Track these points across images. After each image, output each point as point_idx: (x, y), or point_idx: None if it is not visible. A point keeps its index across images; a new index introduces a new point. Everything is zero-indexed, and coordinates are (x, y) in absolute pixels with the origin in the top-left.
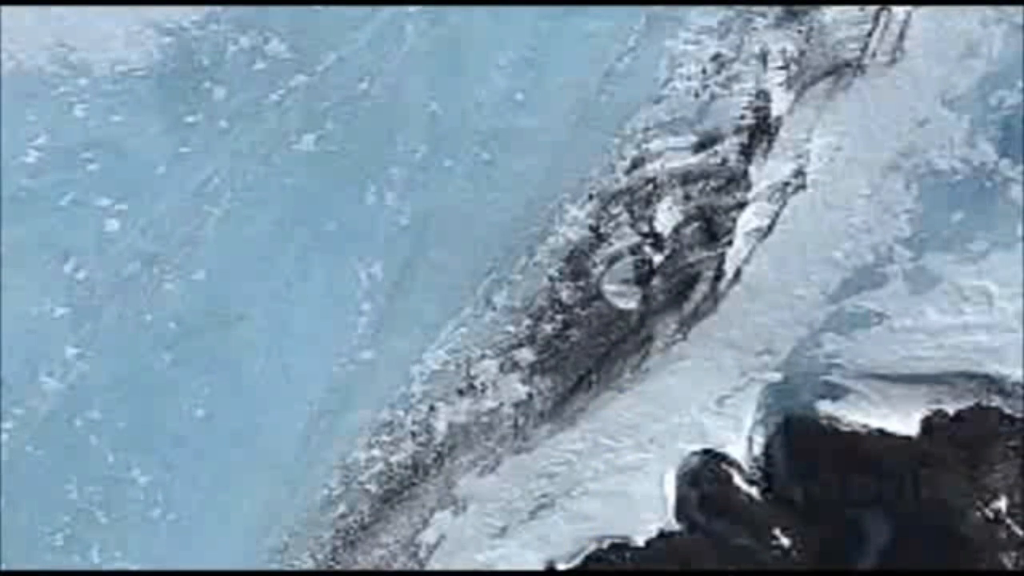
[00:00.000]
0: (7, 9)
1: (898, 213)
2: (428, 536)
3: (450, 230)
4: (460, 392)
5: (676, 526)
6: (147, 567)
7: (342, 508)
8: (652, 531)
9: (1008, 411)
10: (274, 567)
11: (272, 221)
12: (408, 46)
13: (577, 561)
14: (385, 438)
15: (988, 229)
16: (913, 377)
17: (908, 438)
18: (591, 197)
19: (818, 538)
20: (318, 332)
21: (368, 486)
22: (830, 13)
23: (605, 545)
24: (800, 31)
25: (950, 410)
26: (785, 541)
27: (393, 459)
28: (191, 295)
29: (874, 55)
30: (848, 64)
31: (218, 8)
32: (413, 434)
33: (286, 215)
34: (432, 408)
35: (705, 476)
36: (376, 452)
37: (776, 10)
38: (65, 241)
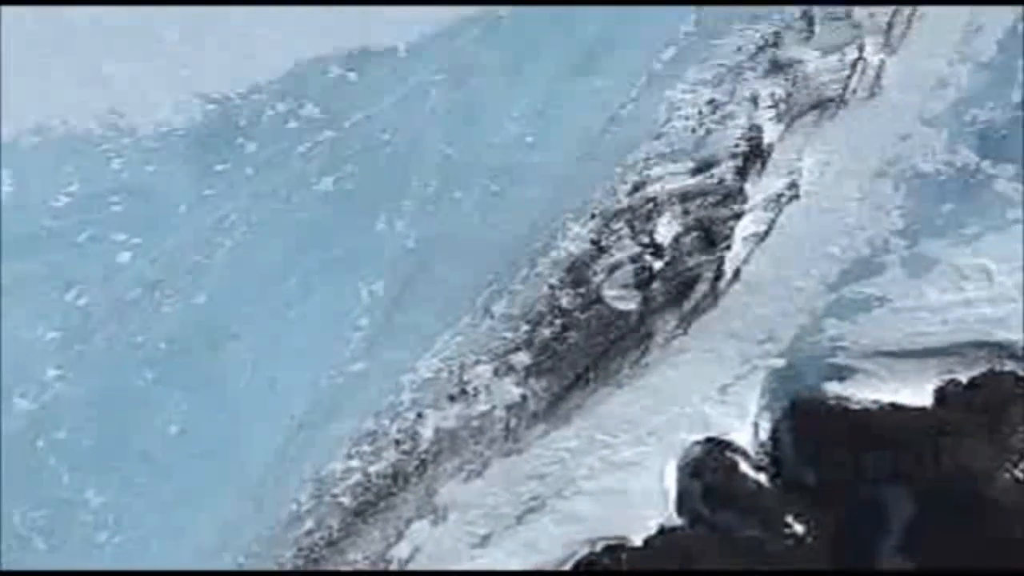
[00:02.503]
0: (58, 76)
1: (890, 210)
2: (400, 550)
3: (454, 250)
4: (451, 398)
5: (678, 521)
6: None
7: (309, 524)
8: (651, 528)
9: (1023, 374)
10: None
11: (281, 250)
12: (430, 106)
13: (568, 567)
14: (366, 448)
15: (979, 215)
16: (921, 351)
17: (922, 409)
18: (593, 216)
19: (834, 520)
20: (310, 347)
21: (341, 499)
22: (813, 63)
23: (598, 548)
24: (787, 79)
25: (963, 378)
26: (798, 528)
27: (372, 469)
28: (188, 317)
29: (854, 92)
30: (831, 100)
31: (262, 80)
32: (397, 442)
33: (296, 244)
34: (420, 415)
35: (708, 466)
36: (354, 463)
37: (764, 63)
38: (72, 272)
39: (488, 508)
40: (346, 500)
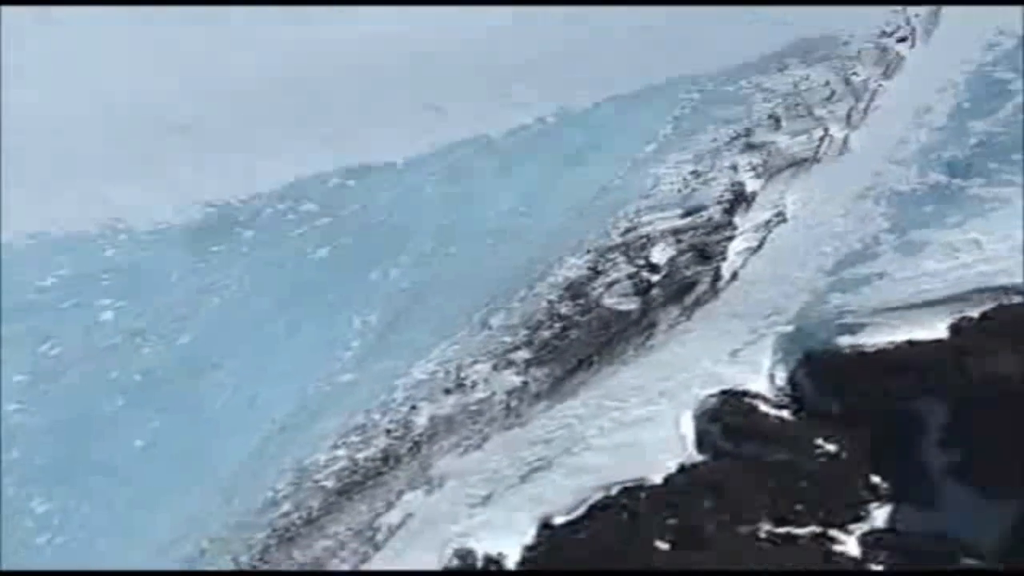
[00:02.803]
0: (58, 193)
1: (875, 217)
2: (390, 518)
3: (450, 286)
4: (447, 391)
5: (699, 457)
6: None
7: (286, 507)
8: (671, 468)
9: None
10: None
11: (272, 301)
12: (426, 197)
13: (578, 514)
14: (354, 439)
15: (959, 209)
16: (929, 302)
17: (939, 340)
18: (588, 251)
19: (867, 436)
20: (297, 367)
21: (324, 483)
22: (783, 141)
23: (613, 491)
24: (761, 153)
25: (974, 313)
26: (830, 447)
27: (360, 455)
28: (169, 355)
29: (825, 153)
30: (805, 160)
31: (264, 188)
32: (388, 431)
33: (288, 296)
34: (413, 407)
35: (726, 411)
36: (341, 452)
37: (739, 145)
38: (50, 330)
39: (489, 473)
40: (329, 483)
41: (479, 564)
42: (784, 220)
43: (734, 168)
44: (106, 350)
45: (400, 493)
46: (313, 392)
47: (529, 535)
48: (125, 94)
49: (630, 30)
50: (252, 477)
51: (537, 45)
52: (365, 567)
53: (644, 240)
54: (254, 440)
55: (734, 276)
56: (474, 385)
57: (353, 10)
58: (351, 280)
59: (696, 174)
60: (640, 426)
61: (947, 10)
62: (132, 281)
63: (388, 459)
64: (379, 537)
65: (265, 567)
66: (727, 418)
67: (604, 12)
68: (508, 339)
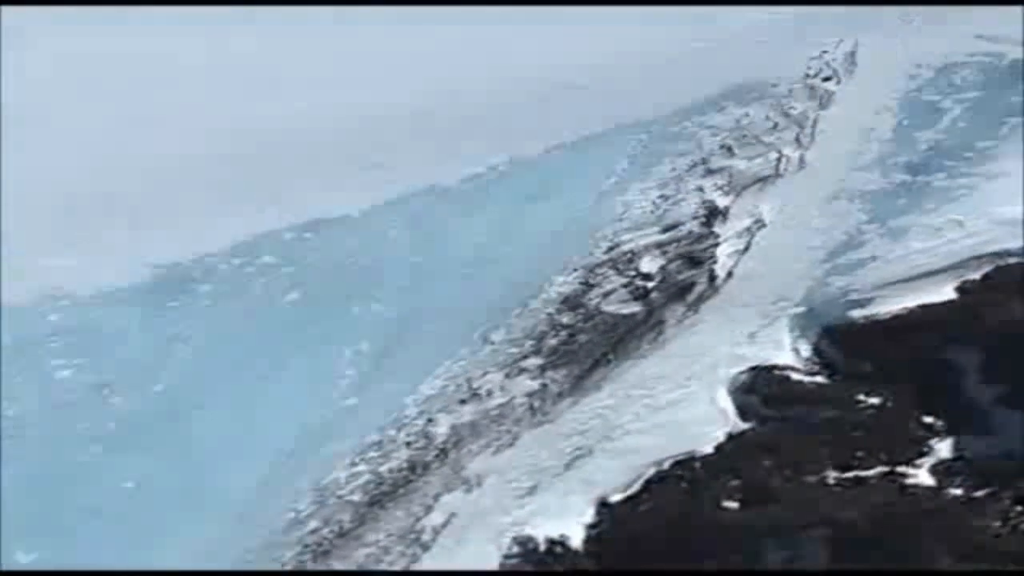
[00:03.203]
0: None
1: (852, 213)
2: (433, 519)
3: (439, 311)
4: (462, 401)
5: (745, 425)
6: None
7: (313, 524)
8: (719, 437)
9: None
10: None
11: (249, 342)
12: (391, 242)
13: (635, 489)
14: (373, 454)
15: (930, 198)
16: (929, 272)
17: (950, 300)
18: (575, 269)
19: (909, 387)
20: (292, 398)
21: (350, 497)
22: (741, 163)
23: (666, 465)
24: (723, 176)
25: (976, 276)
26: (874, 400)
27: (383, 468)
28: (142, 403)
29: (786, 169)
30: (768, 176)
31: (214, 248)
32: (408, 443)
33: (265, 336)
34: (430, 420)
35: (760, 384)
36: (361, 468)
37: (699, 172)
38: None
39: (528, 467)
40: (356, 497)
41: (541, 548)
42: (764, 225)
43: (701, 189)
44: (69, 404)
45: (437, 496)
46: (315, 419)
47: (588, 515)
48: (49, 170)
49: (554, 85)
50: (267, 502)
51: (476, 101)
52: (417, 567)
53: (629, 255)
54: (260, 467)
55: (730, 275)
56: (490, 393)
57: (279, 84)
58: (331, 316)
59: (664, 197)
60: (676, 407)
61: (862, 52)
62: (84, 341)
63: (415, 468)
64: (425, 538)
65: None
66: (764, 389)
67: (528, 68)
68: (515, 350)
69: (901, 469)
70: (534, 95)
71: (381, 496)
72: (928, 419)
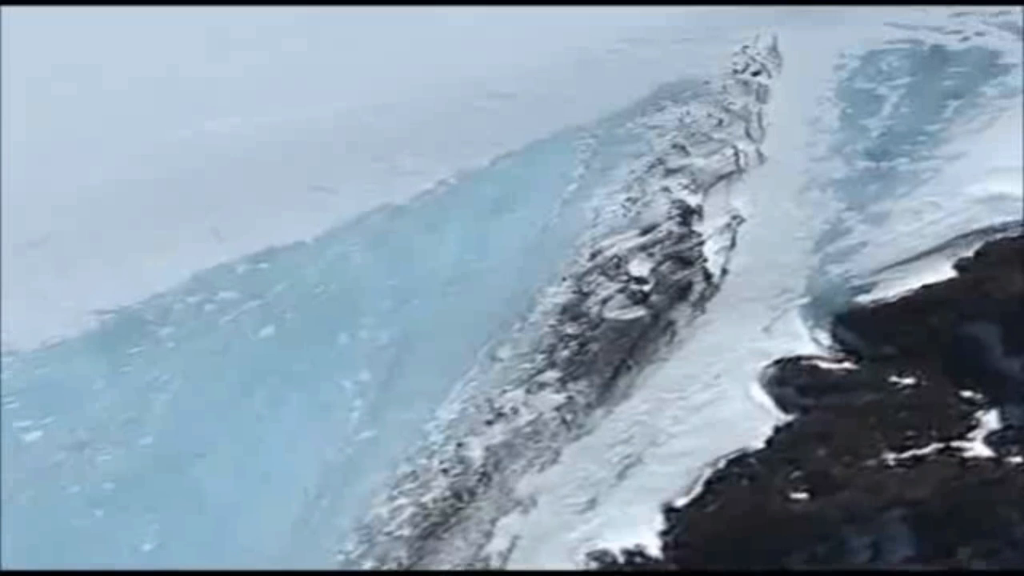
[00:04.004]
0: None
1: (828, 202)
2: (497, 545)
3: (434, 332)
4: (488, 423)
5: (789, 417)
6: None
7: (369, 564)
8: (767, 432)
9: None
10: None
11: (234, 382)
12: (356, 263)
13: (697, 492)
14: (410, 486)
15: (901, 183)
16: (921, 254)
17: (952, 278)
18: (565, 279)
19: (939, 364)
20: (301, 436)
21: (400, 532)
22: (699, 161)
23: (721, 464)
24: (684, 175)
25: (969, 253)
26: (909, 381)
27: (425, 499)
28: (134, 458)
29: (747, 164)
30: (731, 172)
31: (162, 288)
32: (444, 471)
33: (250, 374)
34: (460, 444)
35: (791, 375)
36: (402, 501)
37: (659, 172)
38: None
39: (580, 481)
40: (406, 532)
41: (620, 559)
42: (743, 220)
43: (667, 189)
44: (52, 468)
45: (493, 520)
46: (335, 454)
47: (658, 522)
48: None
49: (484, 93)
50: (309, 547)
51: (407, 115)
52: None
53: (616, 259)
54: (289, 511)
55: (725, 271)
56: (515, 411)
57: (204, 101)
58: (316, 349)
59: (632, 200)
60: (713, 406)
61: (782, 46)
62: (44, 399)
63: (460, 495)
64: (494, 564)
65: None
66: (796, 380)
67: (453, 76)
68: (528, 365)
69: (956, 444)
70: (467, 104)
71: (432, 527)
72: (966, 393)
